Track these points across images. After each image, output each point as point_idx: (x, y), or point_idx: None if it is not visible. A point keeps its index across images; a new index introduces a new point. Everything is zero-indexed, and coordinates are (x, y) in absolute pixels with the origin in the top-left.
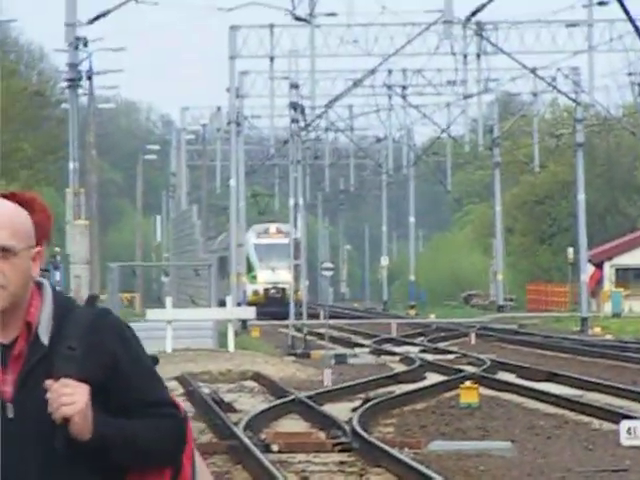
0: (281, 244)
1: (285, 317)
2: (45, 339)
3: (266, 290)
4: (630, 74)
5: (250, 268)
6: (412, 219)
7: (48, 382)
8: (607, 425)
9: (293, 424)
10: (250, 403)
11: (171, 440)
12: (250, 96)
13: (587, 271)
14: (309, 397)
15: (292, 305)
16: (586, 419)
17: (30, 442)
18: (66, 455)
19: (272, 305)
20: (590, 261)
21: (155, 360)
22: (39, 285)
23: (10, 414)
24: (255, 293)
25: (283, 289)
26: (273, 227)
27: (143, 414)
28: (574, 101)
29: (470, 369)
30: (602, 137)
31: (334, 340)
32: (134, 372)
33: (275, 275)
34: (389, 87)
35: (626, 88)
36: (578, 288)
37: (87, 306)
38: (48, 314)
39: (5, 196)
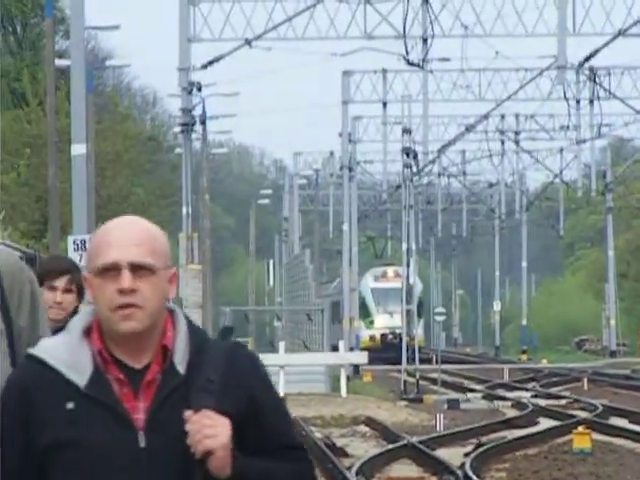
0: (399, 288)
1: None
2: (181, 368)
3: (383, 335)
4: None
5: (367, 313)
6: (524, 264)
7: (188, 413)
8: None
9: (405, 469)
10: (362, 448)
11: None
12: (363, 141)
13: None
14: (421, 442)
15: (404, 349)
16: None
17: (161, 475)
18: None
19: (389, 350)
20: None
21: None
22: (171, 312)
23: (142, 443)
24: (372, 338)
25: (400, 334)
26: (391, 270)
27: (278, 456)
28: None
29: (583, 414)
30: None
31: (446, 385)
32: (272, 410)
33: (393, 320)
34: (502, 132)
35: None
36: None
37: (222, 338)
38: (183, 342)
39: None
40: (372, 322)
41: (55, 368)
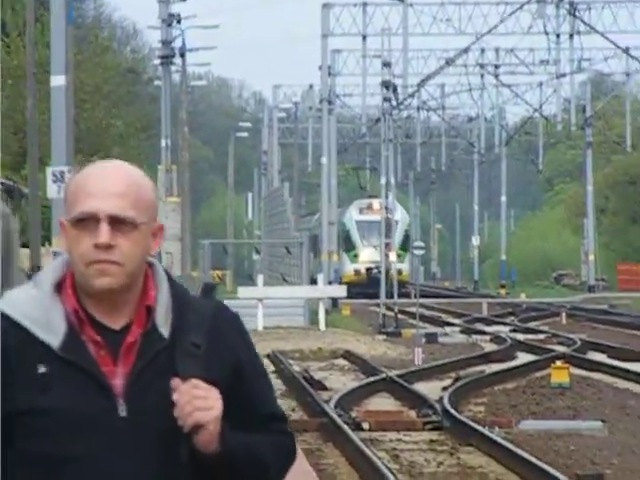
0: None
1: (389, 298)
2: (165, 330)
3: (368, 269)
4: None
5: (351, 246)
6: (504, 198)
7: (175, 381)
8: None
9: (384, 403)
10: (341, 381)
11: (286, 460)
12: (342, 74)
13: None
14: (400, 376)
15: (383, 283)
16: None
17: (143, 448)
18: (186, 467)
19: (375, 285)
20: None
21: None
22: (150, 265)
23: (122, 412)
24: (357, 273)
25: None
26: (377, 202)
27: (260, 427)
28: None
29: (561, 349)
30: None
31: (425, 319)
32: (256, 378)
33: (379, 254)
34: (481, 66)
35: None
36: None
37: (204, 297)
38: (165, 301)
39: None
40: (357, 256)
41: (25, 327)
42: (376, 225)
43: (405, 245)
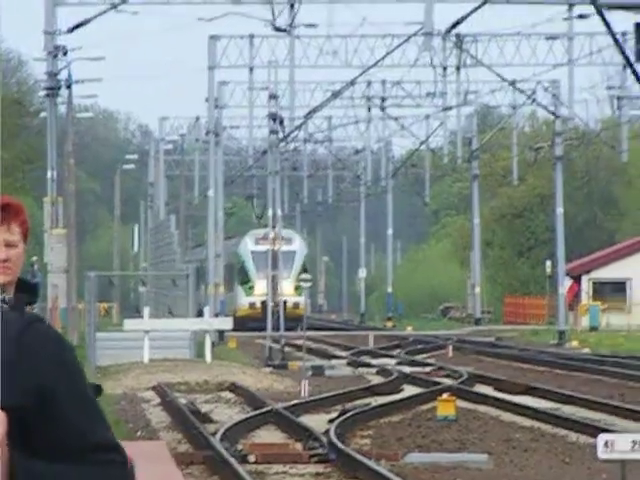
0: (284, 252)
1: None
2: None
3: (264, 303)
4: (609, 88)
5: (246, 278)
6: (390, 231)
7: None
8: (584, 438)
9: (270, 435)
10: (227, 414)
11: None
12: (229, 106)
13: (565, 284)
14: (286, 408)
15: (269, 316)
16: (563, 432)
17: None
18: None
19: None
20: (568, 274)
21: (98, 390)
22: None
23: None
24: (252, 306)
25: (284, 302)
26: (273, 233)
27: (83, 460)
28: (553, 114)
29: (447, 382)
30: (581, 151)
31: (311, 352)
32: (71, 405)
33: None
34: (368, 99)
35: (605, 102)
36: (556, 301)
37: (13, 309)
38: None
39: None
40: (252, 288)
41: None
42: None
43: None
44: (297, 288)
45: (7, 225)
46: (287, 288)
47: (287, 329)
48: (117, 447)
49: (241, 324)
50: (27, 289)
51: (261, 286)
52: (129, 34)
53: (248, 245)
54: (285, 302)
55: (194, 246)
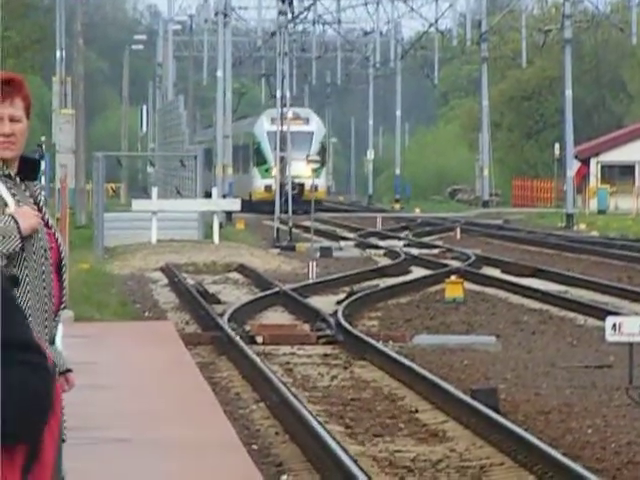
0: (301, 132)
1: (306, 212)
2: None
3: (282, 185)
4: None
5: (262, 160)
6: (399, 113)
7: None
8: (592, 321)
9: (278, 316)
10: (235, 295)
11: (29, 402)
12: None
13: (573, 167)
14: (294, 290)
15: (277, 197)
16: (571, 315)
17: None
18: None
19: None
20: (576, 157)
21: (13, 280)
22: None
23: None
24: (268, 189)
25: (301, 185)
26: (290, 112)
27: None
28: None
29: (455, 264)
30: (590, 33)
31: (319, 233)
32: None
33: (293, 168)
34: None
35: None
36: (564, 184)
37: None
38: None
39: None
40: (268, 170)
41: None
42: (291, 137)
43: (322, 158)
44: (315, 170)
45: (10, 100)
46: (304, 170)
47: (304, 213)
48: (38, 348)
49: (257, 207)
50: (30, 165)
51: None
52: None
53: (264, 125)
54: (302, 185)
55: (205, 127)
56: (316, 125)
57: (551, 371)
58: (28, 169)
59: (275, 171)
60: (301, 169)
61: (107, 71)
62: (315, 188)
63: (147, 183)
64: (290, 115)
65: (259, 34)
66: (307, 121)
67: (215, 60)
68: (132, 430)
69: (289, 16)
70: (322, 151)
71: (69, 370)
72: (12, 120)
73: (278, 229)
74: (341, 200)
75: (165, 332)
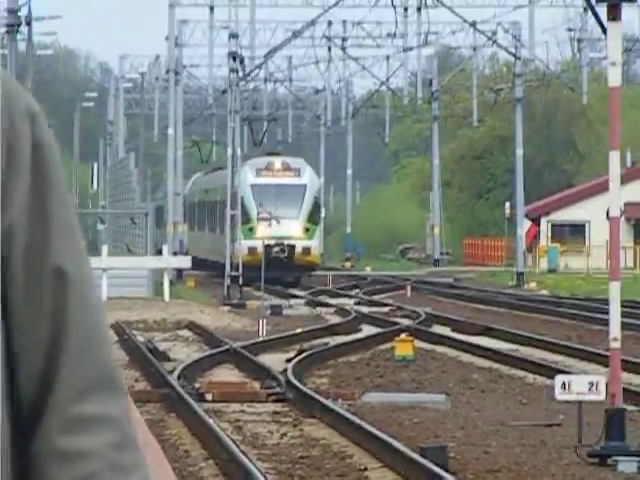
0: (291, 185)
1: (295, 286)
2: None
3: (268, 247)
4: (570, 30)
5: (245, 217)
6: (349, 171)
7: None
8: (541, 380)
9: (228, 374)
10: (185, 352)
11: None
12: (189, 45)
13: (524, 226)
14: (244, 347)
15: (228, 256)
16: (520, 373)
17: None
18: None
19: (276, 268)
20: (527, 216)
21: None
22: None
23: None
24: (251, 252)
25: (292, 247)
26: (278, 162)
27: None
28: (514, 56)
29: (405, 322)
30: (541, 92)
31: (270, 291)
32: None
33: (281, 228)
34: (329, 39)
35: (565, 44)
36: (514, 243)
37: None
38: None
39: None
40: (252, 229)
41: None
42: (279, 190)
43: (314, 217)
44: (307, 230)
45: None
46: (294, 230)
47: (297, 279)
48: None
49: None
50: None
51: (264, 227)
52: None
53: (248, 177)
54: (293, 246)
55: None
56: (309, 177)
57: (501, 429)
58: None
59: (259, 231)
60: (291, 229)
61: (58, 128)
62: (307, 251)
63: (98, 240)
64: (278, 165)
65: (210, 92)
66: (298, 172)
67: (166, 118)
68: None
69: (240, 74)
70: (316, 208)
71: None
72: None
73: (229, 287)
74: None
75: None
